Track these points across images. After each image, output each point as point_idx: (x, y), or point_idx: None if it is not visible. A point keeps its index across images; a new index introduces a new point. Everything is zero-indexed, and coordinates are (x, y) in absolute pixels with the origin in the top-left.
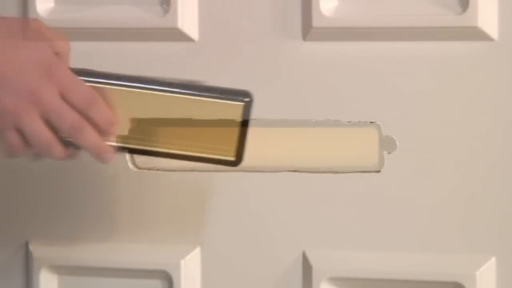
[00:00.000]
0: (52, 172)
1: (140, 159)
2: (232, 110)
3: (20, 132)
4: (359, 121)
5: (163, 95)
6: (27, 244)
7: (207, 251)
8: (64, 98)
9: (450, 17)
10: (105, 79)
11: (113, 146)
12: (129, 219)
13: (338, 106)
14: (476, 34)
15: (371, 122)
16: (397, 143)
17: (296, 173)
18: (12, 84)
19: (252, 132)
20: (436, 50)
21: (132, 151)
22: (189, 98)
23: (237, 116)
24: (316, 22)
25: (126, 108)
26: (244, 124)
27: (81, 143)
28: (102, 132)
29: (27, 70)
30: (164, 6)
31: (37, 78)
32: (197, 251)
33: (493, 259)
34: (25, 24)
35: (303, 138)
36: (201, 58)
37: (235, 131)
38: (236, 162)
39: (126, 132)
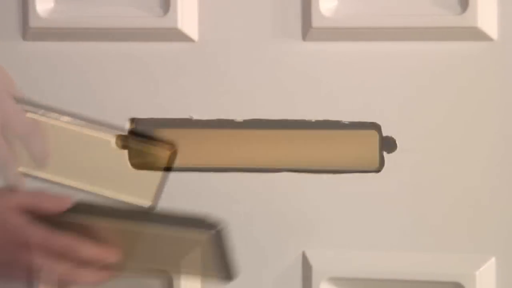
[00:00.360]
0: None
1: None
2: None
3: None
4: (359, 122)
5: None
6: None
7: None
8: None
9: (450, 17)
10: (81, 217)
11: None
12: None
13: (338, 106)
14: (476, 34)
15: (371, 123)
16: (397, 143)
17: (296, 173)
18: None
19: (252, 134)
20: (436, 50)
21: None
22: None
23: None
24: (316, 22)
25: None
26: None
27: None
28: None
29: (3, 247)
30: (164, 6)
31: (14, 250)
32: None
33: (493, 259)
34: None
35: (303, 139)
36: (201, 58)
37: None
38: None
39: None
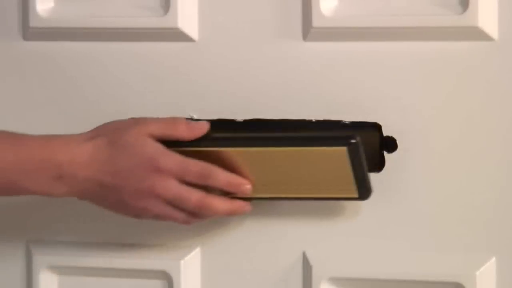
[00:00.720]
0: None
1: None
2: (338, 154)
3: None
4: (359, 121)
5: (274, 149)
6: (27, 244)
7: (207, 251)
8: (181, 180)
9: (450, 17)
10: (216, 144)
11: (244, 199)
12: (129, 219)
13: (338, 106)
14: (476, 34)
15: (371, 122)
16: (397, 143)
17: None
18: (131, 188)
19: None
20: (436, 50)
21: (260, 199)
22: (296, 149)
23: (345, 159)
24: (316, 22)
25: (245, 165)
26: (356, 162)
27: (212, 214)
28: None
29: (138, 173)
30: (164, 6)
31: (150, 175)
32: (197, 251)
33: (493, 259)
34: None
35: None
36: (201, 58)
37: (349, 172)
38: (362, 196)
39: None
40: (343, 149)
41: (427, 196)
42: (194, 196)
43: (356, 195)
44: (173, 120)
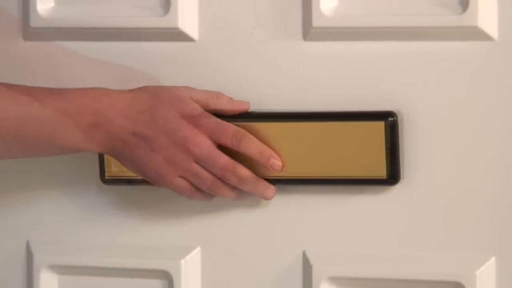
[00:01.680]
0: (53, 172)
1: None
2: (376, 129)
3: (184, 178)
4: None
5: (305, 124)
6: (27, 244)
7: (207, 251)
8: (215, 141)
9: (450, 17)
10: (249, 118)
11: (270, 180)
12: (129, 218)
13: (338, 106)
14: (476, 34)
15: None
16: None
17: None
18: (163, 139)
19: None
20: (436, 50)
21: (287, 181)
22: (330, 123)
23: (381, 134)
24: (316, 22)
25: (274, 141)
26: (392, 139)
27: (234, 183)
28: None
29: (173, 125)
30: (164, 6)
31: (186, 127)
32: (197, 251)
33: (493, 259)
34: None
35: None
36: (201, 58)
37: (382, 149)
38: (391, 178)
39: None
40: (381, 124)
41: (427, 196)
42: (223, 158)
43: (384, 175)
44: (217, 93)
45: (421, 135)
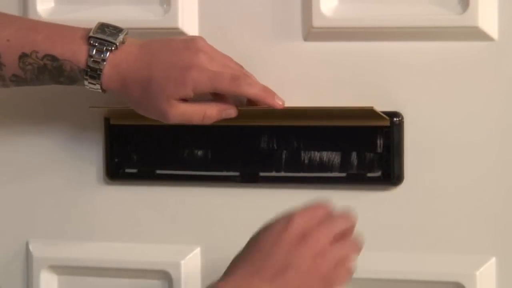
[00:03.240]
0: (53, 173)
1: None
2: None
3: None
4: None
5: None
6: (27, 244)
7: (207, 251)
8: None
9: (450, 17)
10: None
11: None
12: (130, 219)
13: (338, 106)
14: (476, 34)
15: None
16: None
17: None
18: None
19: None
20: (436, 50)
21: (287, 181)
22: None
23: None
24: (316, 22)
25: None
26: (397, 142)
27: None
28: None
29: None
30: (164, 6)
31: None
32: (197, 251)
33: (493, 259)
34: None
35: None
36: None
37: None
38: (394, 181)
39: None
40: (387, 124)
41: (426, 196)
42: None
43: (388, 175)
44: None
45: (421, 135)
